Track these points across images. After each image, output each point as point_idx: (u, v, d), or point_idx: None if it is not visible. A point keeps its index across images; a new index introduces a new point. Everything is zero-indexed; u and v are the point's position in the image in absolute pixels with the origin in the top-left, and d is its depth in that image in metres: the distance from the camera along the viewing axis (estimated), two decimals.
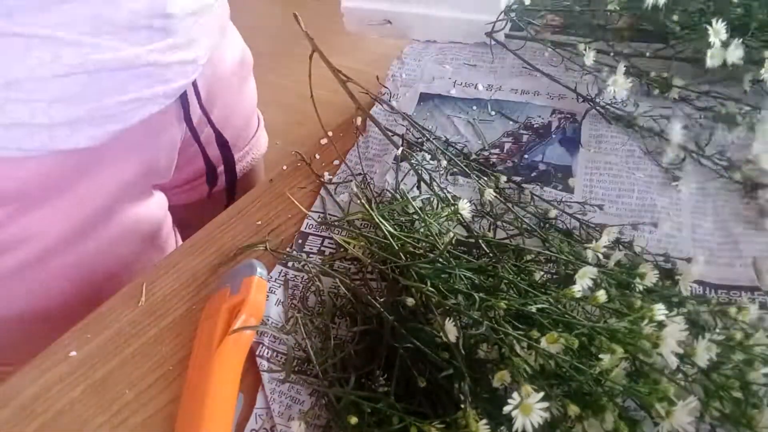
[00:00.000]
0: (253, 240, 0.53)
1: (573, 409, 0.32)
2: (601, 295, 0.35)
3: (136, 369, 0.46)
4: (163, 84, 0.54)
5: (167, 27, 0.53)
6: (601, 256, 0.43)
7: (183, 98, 0.63)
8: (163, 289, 0.51)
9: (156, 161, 0.63)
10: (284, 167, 0.60)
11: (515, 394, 0.32)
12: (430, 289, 0.39)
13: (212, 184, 0.77)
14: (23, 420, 0.44)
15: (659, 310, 0.34)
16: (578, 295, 0.36)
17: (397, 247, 0.43)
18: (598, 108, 0.59)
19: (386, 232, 0.43)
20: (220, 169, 0.76)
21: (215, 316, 0.45)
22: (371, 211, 0.46)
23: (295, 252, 0.52)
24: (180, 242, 0.73)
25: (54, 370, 0.46)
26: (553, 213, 0.49)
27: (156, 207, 0.67)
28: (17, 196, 0.51)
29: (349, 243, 0.48)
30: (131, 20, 0.49)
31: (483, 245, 0.44)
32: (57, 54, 0.46)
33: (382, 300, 0.43)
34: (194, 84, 0.64)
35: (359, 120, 0.62)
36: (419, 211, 0.46)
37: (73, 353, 0.47)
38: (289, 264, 0.51)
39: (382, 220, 0.44)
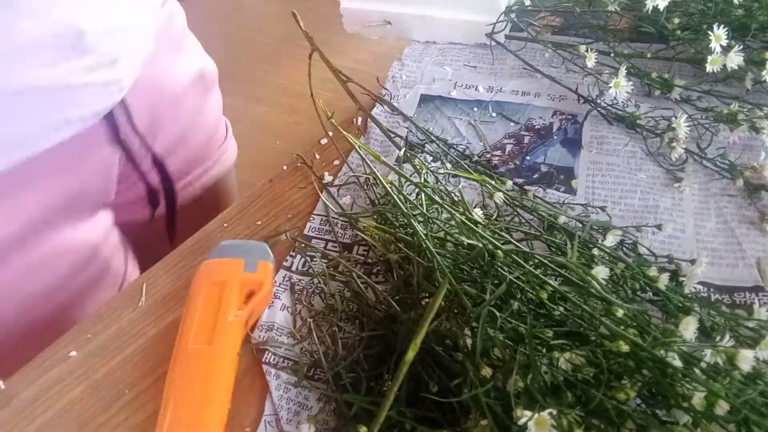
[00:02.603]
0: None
1: None
2: (623, 346, 0.34)
3: (136, 369, 0.46)
4: (79, 106, 0.50)
5: (80, 46, 0.48)
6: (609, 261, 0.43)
7: (110, 119, 0.58)
8: (163, 289, 0.51)
9: (86, 184, 0.59)
10: (284, 167, 0.60)
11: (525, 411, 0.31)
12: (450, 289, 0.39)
13: (155, 206, 0.72)
14: (23, 420, 0.43)
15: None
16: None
17: (430, 252, 0.42)
18: (599, 109, 0.59)
19: (420, 234, 0.42)
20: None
21: (227, 285, 0.46)
22: (409, 215, 0.44)
23: (303, 245, 0.52)
24: (130, 260, 0.69)
25: (54, 370, 0.46)
26: (561, 219, 0.47)
27: (91, 229, 0.62)
28: None
29: (368, 232, 0.48)
30: (31, 39, 0.44)
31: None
32: None
33: (395, 299, 0.42)
34: (124, 104, 0.59)
35: (359, 120, 0.62)
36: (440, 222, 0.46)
37: (73, 353, 0.47)
38: (293, 268, 0.51)
39: (413, 216, 0.43)
